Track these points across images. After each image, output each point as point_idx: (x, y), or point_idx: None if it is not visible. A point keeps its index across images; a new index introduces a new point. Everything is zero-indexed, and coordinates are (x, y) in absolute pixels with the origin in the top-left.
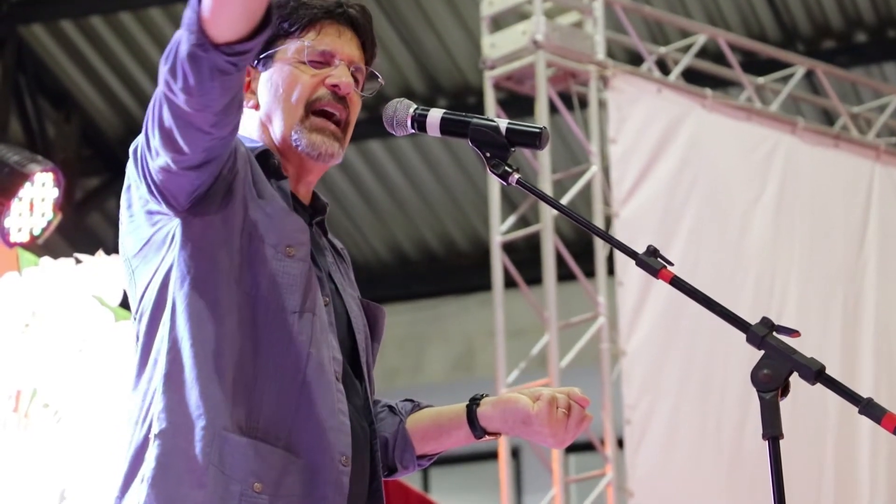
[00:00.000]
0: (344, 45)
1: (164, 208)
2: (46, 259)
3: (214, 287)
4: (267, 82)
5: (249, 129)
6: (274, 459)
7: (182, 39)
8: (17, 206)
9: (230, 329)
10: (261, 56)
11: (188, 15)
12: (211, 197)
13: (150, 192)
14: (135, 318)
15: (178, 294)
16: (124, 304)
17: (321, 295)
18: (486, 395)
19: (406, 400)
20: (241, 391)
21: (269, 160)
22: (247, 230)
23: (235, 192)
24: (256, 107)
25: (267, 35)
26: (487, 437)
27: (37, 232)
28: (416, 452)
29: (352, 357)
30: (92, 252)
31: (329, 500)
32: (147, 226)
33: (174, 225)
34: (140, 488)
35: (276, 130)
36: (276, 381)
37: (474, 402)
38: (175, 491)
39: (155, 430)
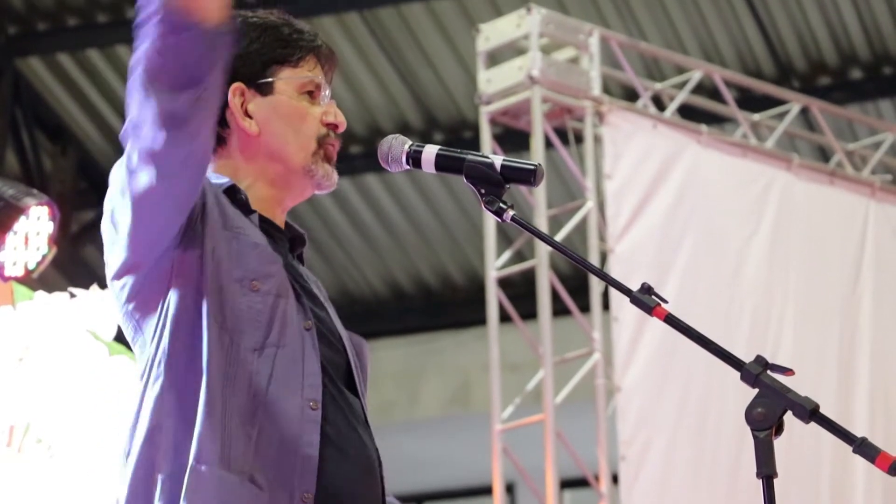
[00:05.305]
0: (328, 80)
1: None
2: (41, 293)
3: (190, 325)
4: (273, 112)
5: (249, 153)
6: (242, 492)
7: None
8: (12, 239)
9: (204, 364)
10: (258, 81)
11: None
12: (180, 238)
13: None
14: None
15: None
16: (118, 338)
17: (302, 320)
18: None
19: None
20: (215, 425)
21: (236, 195)
22: (213, 267)
23: (201, 230)
24: (258, 134)
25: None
26: None
27: (31, 266)
28: None
29: (348, 379)
30: (87, 286)
31: None
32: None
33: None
34: None
35: (291, 159)
36: (238, 417)
37: None
38: None
39: (132, 460)
